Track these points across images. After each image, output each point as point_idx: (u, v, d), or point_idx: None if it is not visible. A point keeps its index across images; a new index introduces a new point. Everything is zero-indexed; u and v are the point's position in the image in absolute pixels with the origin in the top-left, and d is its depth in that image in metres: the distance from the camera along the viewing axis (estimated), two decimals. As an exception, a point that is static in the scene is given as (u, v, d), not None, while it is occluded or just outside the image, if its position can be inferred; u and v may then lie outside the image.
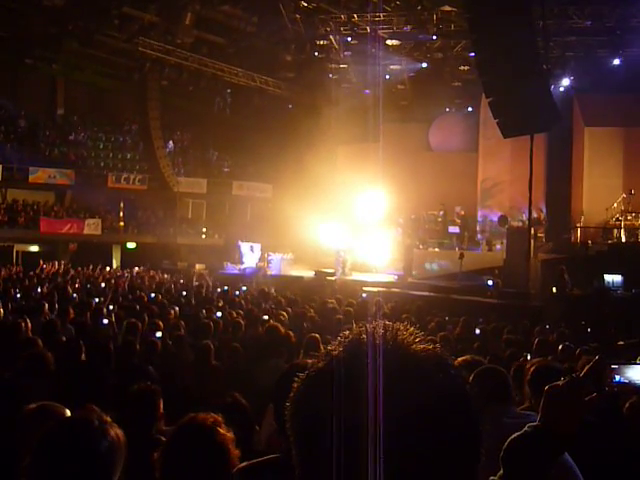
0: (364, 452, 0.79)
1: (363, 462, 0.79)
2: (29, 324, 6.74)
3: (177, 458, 2.41)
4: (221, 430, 2.49)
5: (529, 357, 6.07)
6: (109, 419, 1.92)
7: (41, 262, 21.65)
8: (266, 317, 9.20)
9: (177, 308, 10.39)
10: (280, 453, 2.25)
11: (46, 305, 9.38)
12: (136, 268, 22.98)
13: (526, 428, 1.49)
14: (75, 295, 12.75)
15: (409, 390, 0.82)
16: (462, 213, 23.01)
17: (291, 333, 6.55)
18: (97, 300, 11.68)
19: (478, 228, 23.56)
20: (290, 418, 0.90)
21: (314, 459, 0.84)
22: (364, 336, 0.89)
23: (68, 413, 2.45)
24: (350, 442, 0.80)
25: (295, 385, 0.91)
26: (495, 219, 21.67)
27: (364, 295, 14.96)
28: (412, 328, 0.92)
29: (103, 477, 1.83)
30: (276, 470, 2.13)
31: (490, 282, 17.04)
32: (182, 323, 8.47)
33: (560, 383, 1.48)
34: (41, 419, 2.22)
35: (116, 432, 1.89)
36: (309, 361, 0.96)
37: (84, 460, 1.81)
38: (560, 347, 6.58)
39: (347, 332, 0.92)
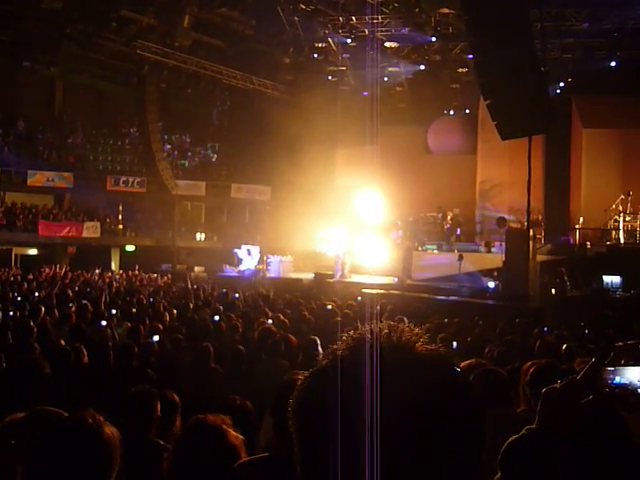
0: (367, 450, 0.79)
1: (366, 459, 0.79)
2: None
3: (187, 459, 2.39)
4: (232, 432, 2.48)
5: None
6: (103, 418, 1.92)
7: (45, 269, 21.58)
8: (265, 320, 9.17)
9: (175, 311, 10.38)
10: (272, 453, 2.40)
11: (43, 309, 9.35)
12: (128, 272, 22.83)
13: (523, 431, 1.49)
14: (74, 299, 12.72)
15: (412, 389, 0.83)
16: (457, 212, 23.06)
17: (292, 337, 6.50)
18: (95, 303, 11.64)
19: (478, 229, 23.59)
20: (293, 415, 0.90)
21: (316, 456, 0.84)
22: (369, 336, 0.89)
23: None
24: (352, 440, 0.80)
25: (299, 383, 0.92)
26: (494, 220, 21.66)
27: (359, 298, 14.89)
28: (416, 329, 0.92)
29: (100, 475, 1.83)
30: (271, 466, 2.28)
31: (491, 284, 17.01)
32: (180, 326, 8.45)
33: (557, 386, 1.47)
34: (36, 423, 2.22)
35: (111, 430, 1.90)
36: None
37: (80, 459, 1.81)
38: (564, 347, 6.57)
39: (352, 332, 0.92)
